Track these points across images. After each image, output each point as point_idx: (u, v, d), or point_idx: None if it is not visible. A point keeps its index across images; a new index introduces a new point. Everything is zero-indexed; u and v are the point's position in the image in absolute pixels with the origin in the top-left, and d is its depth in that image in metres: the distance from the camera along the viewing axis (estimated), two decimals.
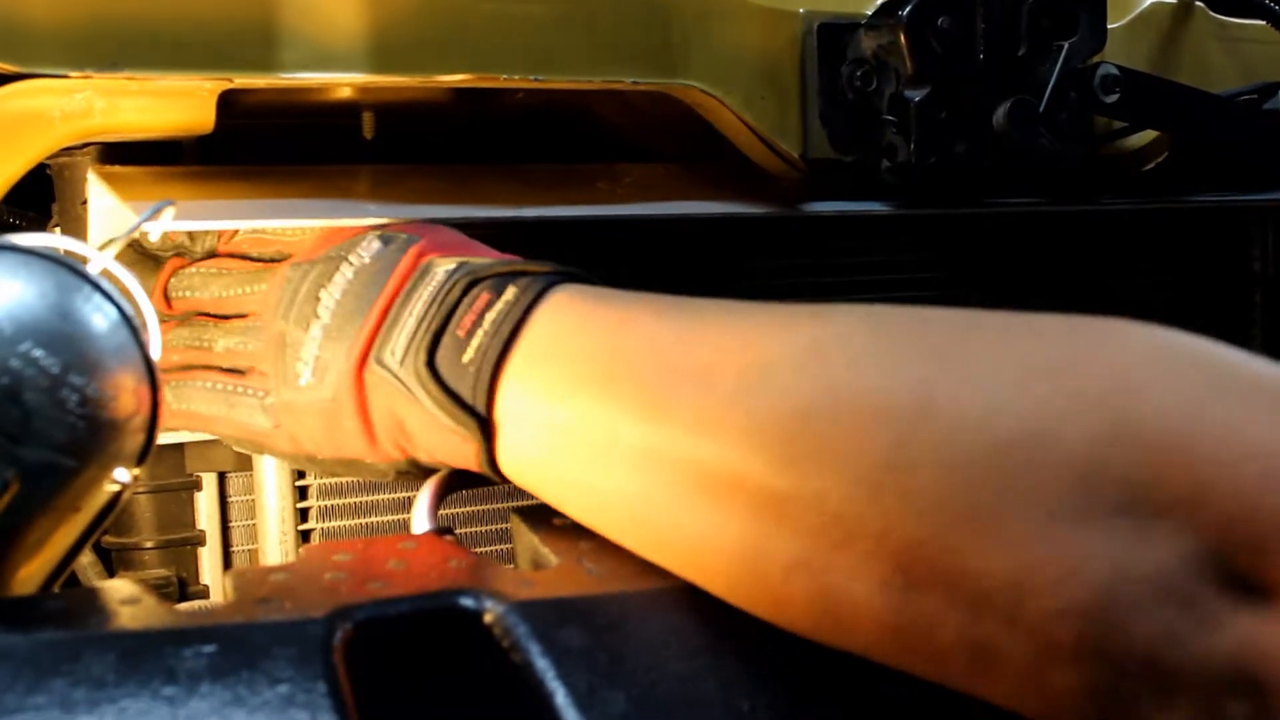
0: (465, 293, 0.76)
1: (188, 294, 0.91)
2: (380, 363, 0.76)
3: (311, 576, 0.69)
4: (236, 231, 0.91)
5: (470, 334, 0.73)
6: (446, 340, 0.74)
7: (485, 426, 0.72)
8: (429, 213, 1.04)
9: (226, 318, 0.88)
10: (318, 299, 0.80)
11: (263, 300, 0.84)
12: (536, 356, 0.72)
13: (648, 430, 0.65)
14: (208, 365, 0.87)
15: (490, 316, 0.73)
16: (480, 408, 0.72)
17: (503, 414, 0.72)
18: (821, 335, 0.63)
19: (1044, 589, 0.52)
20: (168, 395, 0.87)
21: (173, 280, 0.92)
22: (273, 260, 0.89)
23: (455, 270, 0.77)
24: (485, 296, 0.74)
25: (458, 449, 0.74)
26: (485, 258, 0.79)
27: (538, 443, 0.71)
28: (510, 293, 0.74)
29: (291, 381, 0.80)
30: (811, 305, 0.67)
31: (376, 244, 0.82)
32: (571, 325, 0.72)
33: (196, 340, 0.88)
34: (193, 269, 0.92)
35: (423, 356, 0.74)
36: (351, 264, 0.81)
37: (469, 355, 0.73)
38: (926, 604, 0.55)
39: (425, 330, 0.75)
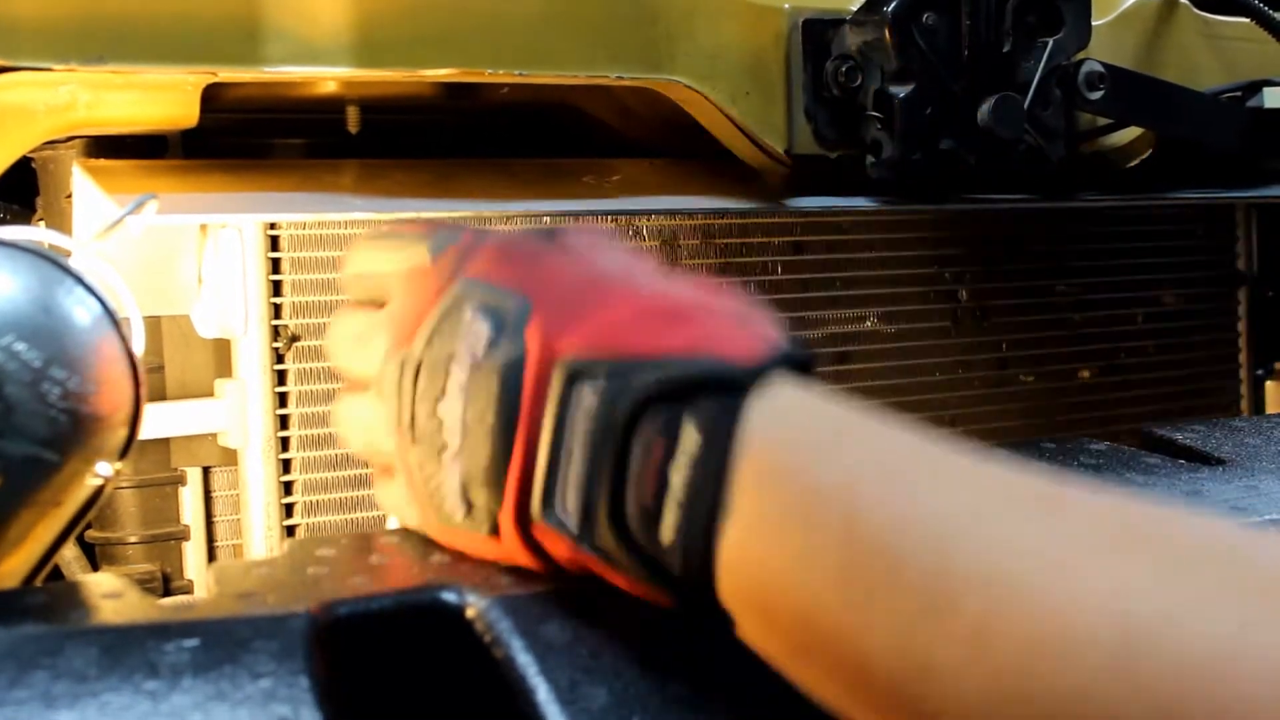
0: (630, 432, 0.60)
1: (334, 361, 0.80)
2: (548, 518, 0.63)
3: (294, 571, 0.68)
4: (347, 260, 0.79)
5: (659, 501, 0.59)
6: (631, 506, 0.60)
7: (711, 606, 0.60)
8: (415, 207, 1.04)
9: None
10: (438, 417, 0.67)
11: (377, 392, 0.73)
12: (755, 541, 0.57)
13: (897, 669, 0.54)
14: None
15: (677, 481, 0.58)
16: (702, 595, 0.59)
17: (726, 601, 0.59)
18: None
19: None
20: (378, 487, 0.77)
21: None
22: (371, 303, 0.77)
23: (605, 397, 0.61)
24: (660, 445, 0.59)
25: (668, 600, 0.62)
26: (623, 352, 0.62)
27: (772, 641, 0.59)
28: (691, 441, 0.58)
29: (445, 514, 0.69)
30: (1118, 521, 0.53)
31: (482, 325, 0.66)
32: (787, 496, 0.57)
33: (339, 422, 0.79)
34: (333, 327, 0.79)
35: (611, 532, 0.60)
36: (463, 364, 0.66)
37: (667, 535, 0.58)
38: None
39: (600, 490, 0.60)
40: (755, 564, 0.57)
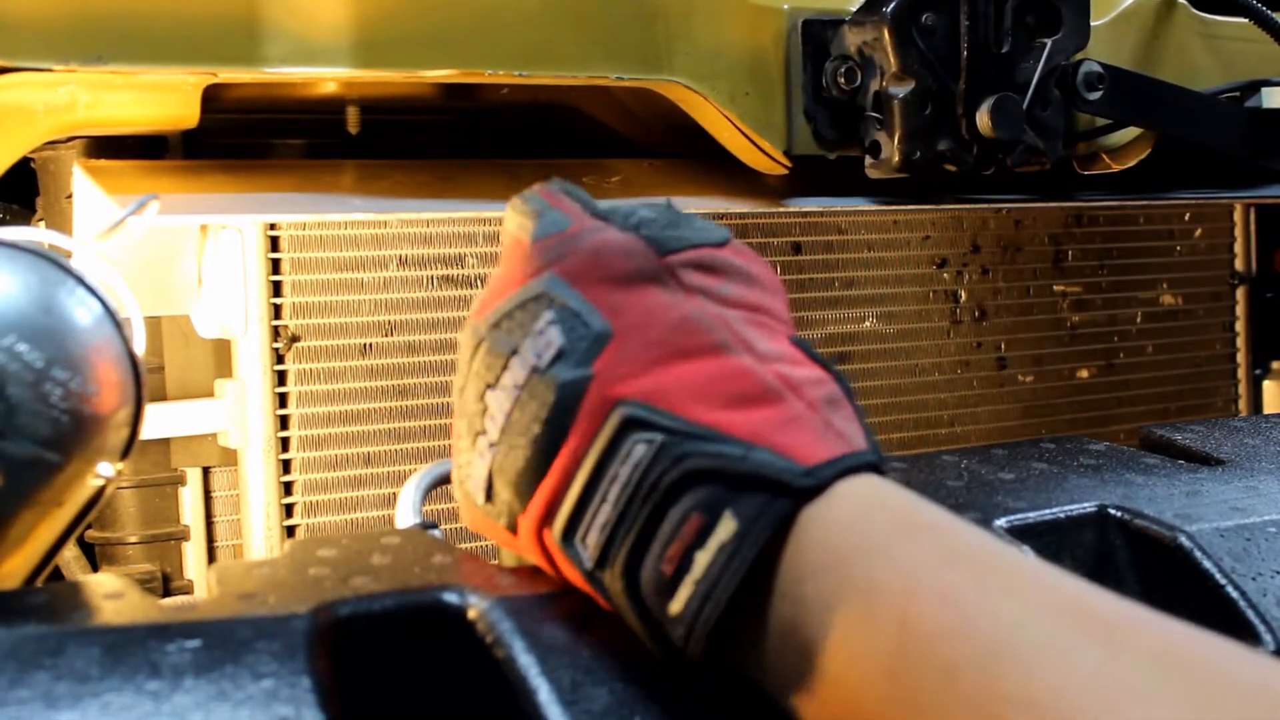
0: (671, 499, 0.60)
1: None
2: (565, 545, 0.63)
3: (295, 571, 0.68)
4: None
5: (678, 576, 0.59)
6: (649, 568, 0.60)
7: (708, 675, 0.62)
8: (415, 208, 1.04)
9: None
10: (484, 403, 0.66)
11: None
12: (790, 642, 0.58)
13: None
14: None
15: (701, 561, 0.58)
16: (692, 659, 0.60)
17: (727, 676, 0.61)
18: None
19: None
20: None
21: None
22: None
23: (657, 456, 0.60)
24: (695, 522, 0.59)
25: (657, 651, 0.63)
26: (685, 415, 0.62)
27: (797, 682, 0.59)
28: (726, 531, 0.58)
29: (467, 490, 0.69)
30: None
31: (555, 334, 0.65)
32: (833, 610, 0.57)
33: None
34: None
35: (621, 581, 0.61)
36: (524, 362, 0.65)
37: (676, 607, 0.59)
38: None
39: (624, 543, 0.61)
40: (802, 646, 0.57)
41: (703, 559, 0.58)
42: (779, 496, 0.59)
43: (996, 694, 0.52)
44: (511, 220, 0.71)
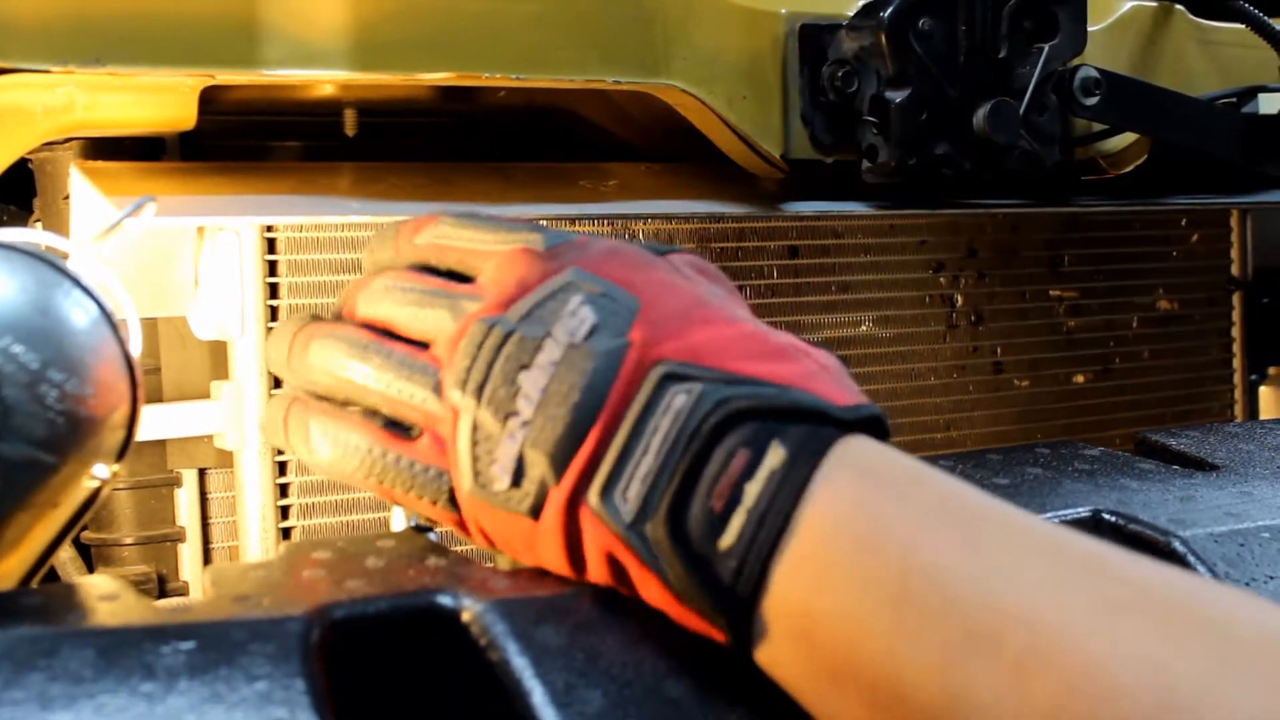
0: (715, 441, 0.62)
1: (364, 309, 0.77)
2: (604, 503, 0.64)
3: (290, 573, 0.69)
4: (418, 228, 0.77)
5: (728, 509, 0.61)
6: (696, 507, 0.61)
7: (744, 623, 0.61)
8: (412, 210, 1.04)
9: (393, 338, 0.74)
10: (516, 384, 0.67)
11: (445, 346, 0.71)
12: (815, 561, 0.59)
13: (936, 697, 0.56)
14: (360, 402, 0.74)
15: (752, 491, 0.60)
16: (743, 609, 0.61)
17: (766, 616, 0.61)
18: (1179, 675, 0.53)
19: None
20: (312, 431, 0.75)
21: (359, 293, 0.77)
22: (450, 276, 0.75)
23: (699, 402, 0.63)
24: (743, 456, 0.61)
25: (694, 621, 0.63)
26: (721, 367, 0.64)
27: (805, 663, 0.60)
28: (776, 458, 0.61)
29: (484, 481, 0.68)
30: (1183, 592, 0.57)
31: (588, 312, 0.67)
32: (854, 525, 0.59)
33: (355, 357, 0.74)
34: (375, 280, 0.76)
35: (665, 527, 0.62)
36: (558, 342, 0.67)
37: (728, 540, 0.60)
38: None
39: (669, 485, 0.62)
40: (810, 582, 0.59)
41: (753, 489, 0.61)
42: (822, 425, 0.62)
43: (997, 612, 0.55)
44: (493, 238, 0.74)
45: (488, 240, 0.74)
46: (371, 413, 0.74)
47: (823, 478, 0.61)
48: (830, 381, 0.65)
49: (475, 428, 0.68)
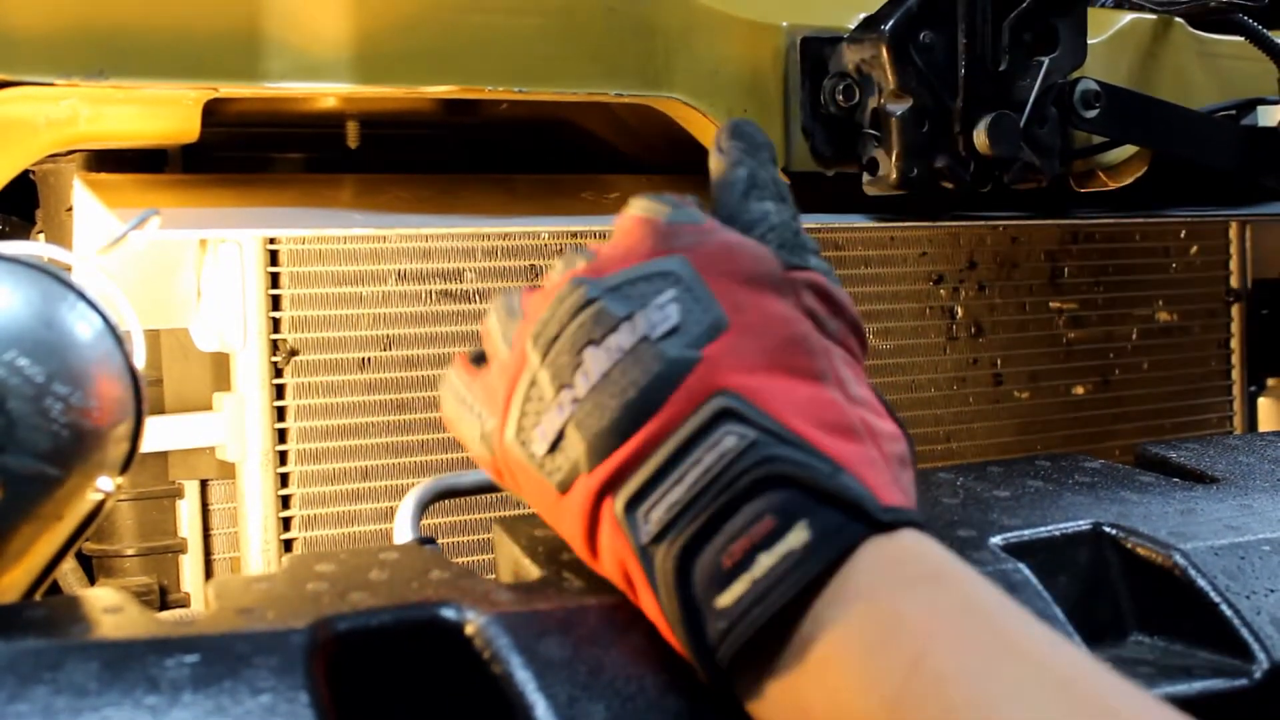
0: (748, 496, 0.61)
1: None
2: (627, 515, 0.64)
3: (294, 586, 0.69)
4: None
5: (736, 571, 0.60)
6: (708, 556, 0.61)
7: (721, 672, 0.62)
8: (414, 223, 1.04)
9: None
10: (580, 358, 0.66)
11: (542, 291, 0.71)
12: (816, 653, 0.59)
13: None
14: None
15: (765, 563, 0.60)
16: (721, 663, 0.61)
17: (750, 680, 0.61)
18: None
19: None
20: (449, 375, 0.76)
21: None
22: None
23: (747, 450, 0.62)
24: (768, 523, 0.60)
25: (681, 652, 0.63)
26: (782, 420, 0.63)
27: (803, 700, 0.60)
28: (798, 538, 0.60)
29: (523, 436, 0.68)
30: None
31: (674, 310, 0.65)
32: (854, 633, 0.59)
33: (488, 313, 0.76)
34: None
35: (674, 561, 0.61)
36: (635, 330, 0.65)
37: (725, 601, 0.60)
38: None
39: (690, 526, 0.62)
40: (815, 664, 0.59)
41: (766, 561, 0.60)
42: (855, 520, 0.61)
43: None
44: (638, 206, 0.72)
45: (639, 205, 0.72)
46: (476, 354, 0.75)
47: (841, 578, 0.60)
48: (884, 474, 0.63)
49: (533, 383, 0.68)
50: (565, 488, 0.66)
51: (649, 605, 0.64)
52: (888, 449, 0.65)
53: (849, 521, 0.61)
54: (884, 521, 0.61)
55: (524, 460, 0.68)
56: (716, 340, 0.65)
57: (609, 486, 0.64)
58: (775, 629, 0.60)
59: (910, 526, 0.62)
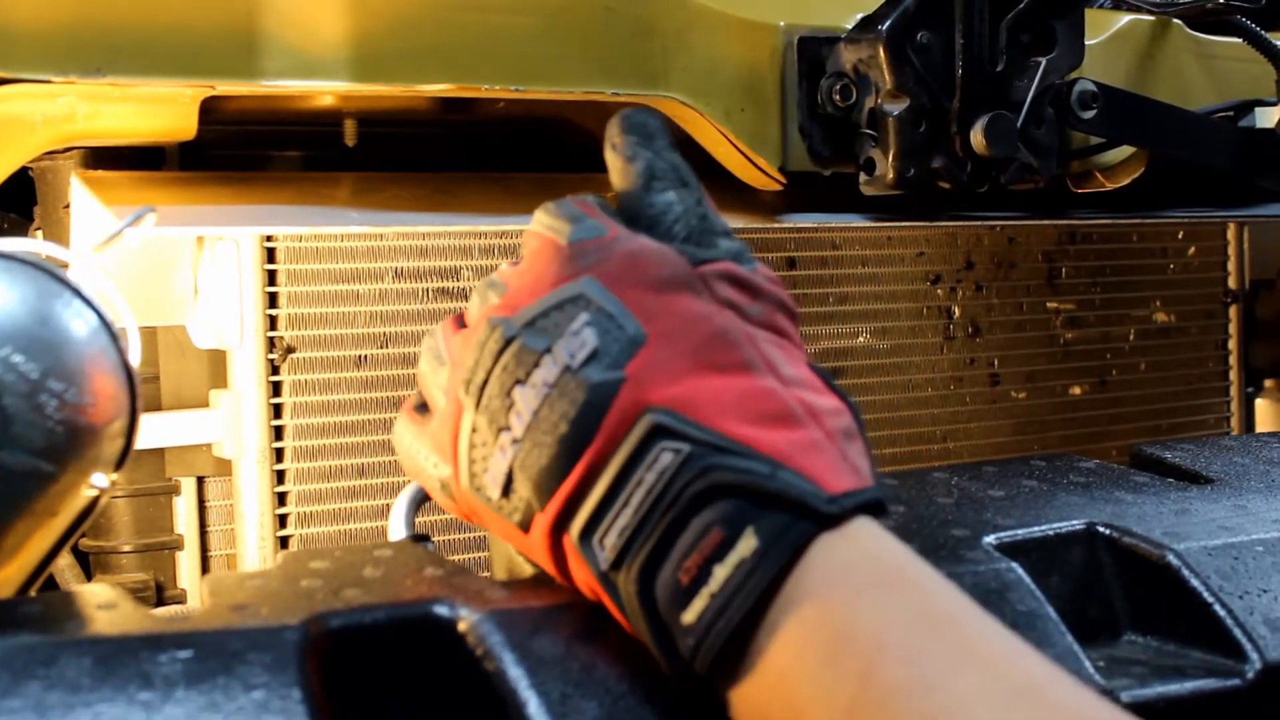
0: (694, 511, 0.61)
1: None
2: (583, 545, 0.64)
3: (288, 583, 0.69)
4: None
5: (694, 586, 0.60)
6: (666, 573, 0.61)
7: (703, 679, 0.62)
8: (411, 221, 1.04)
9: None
10: (510, 399, 0.66)
11: (463, 337, 0.71)
12: (771, 665, 0.59)
13: None
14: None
15: (720, 575, 0.59)
16: (699, 673, 0.61)
17: (722, 691, 0.61)
18: None
19: None
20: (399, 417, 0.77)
21: None
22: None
23: (684, 465, 0.61)
24: (716, 535, 0.60)
25: (662, 658, 0.63)
26: (715, 427, 0.62)
27: (766, 711, 0.60)
28: (747, 546, 0.59)
29: (477, 483, 0.68)
30: None
31: (590, 335, 0.65)
32: (815, 637, 0.58)
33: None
34: None
35: (635, 585, 0.62)
36: (556, 362, 0.65)
37: (689, 617, 0.60)
38: None
39: (642, 548, 0.61)
40: (773, 675, 0.59)
41: (721, 573, 0.60)
42: (800, 519, 0.60)
43: None
44: (541, 223, 0.71)
45: (542, 221, 0.72)
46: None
47: (793, 583, 0.59)
48: (828, 456, 0.62)
49: (474, 430, 0.68)
50: (526, 527, 0.66)
51: (624, 623, 0.64)
52: (830, 424, 0.64)
53: (795, 520, 0.60)
54: (832, 514, 0.60)
55: (483, 505, 0.68)
56: (636, 356, 0.64)
57: (561, 521, 0.64)
58: (737, 641, 0.60)
59: (862, 511, 0.62)
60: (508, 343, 0.67)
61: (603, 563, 0.63)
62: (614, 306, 0.66)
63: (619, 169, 0.72)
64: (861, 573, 0.60)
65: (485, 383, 0.67)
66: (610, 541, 0.62)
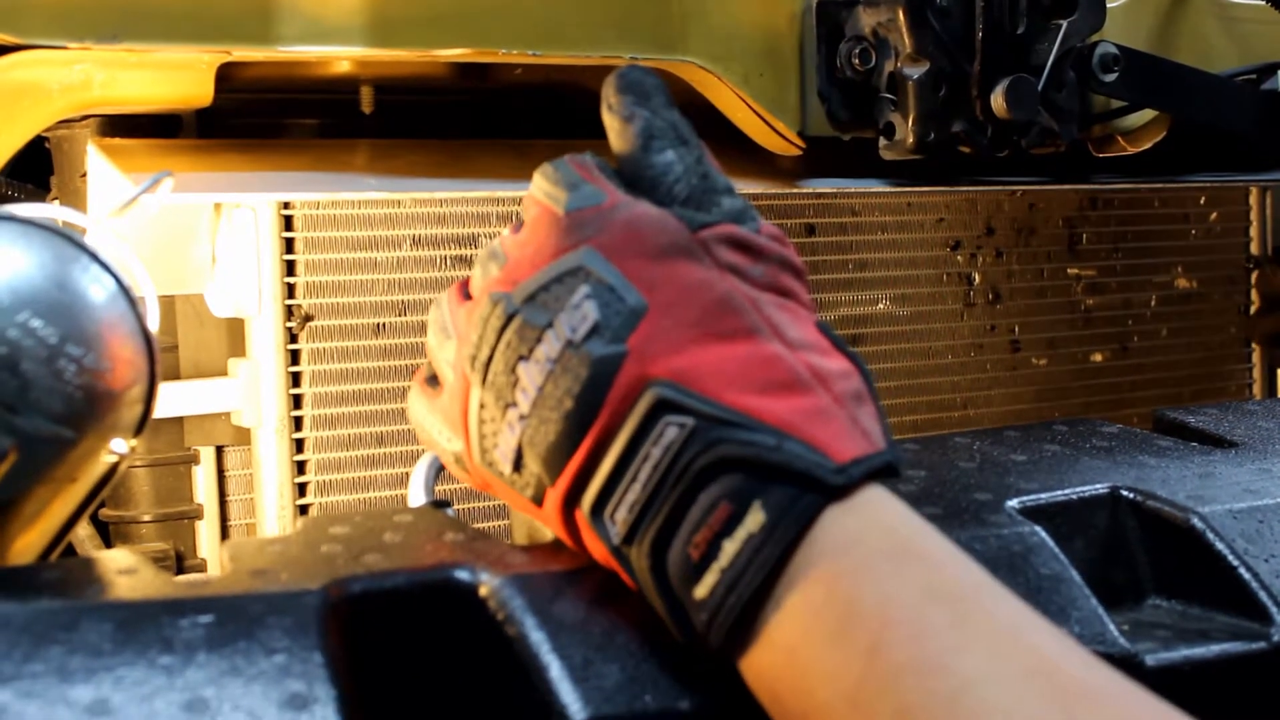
0: (701, 485, 0.60)
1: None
2: (594, 520, 0.63)
3: (308, 548, 0.69)
4: None
5: (704, 562, 0.60)
6: (676, 549, 0.61)
7: (717, 652, 0.61)
8: (428, 187, 1.04)
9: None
10: (515, 376, 0.65)
11: (466, 315, 0.70)
12: (781, 642, 0.59)
13: None
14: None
15: (729, 550, 0.59)
16: (713, 647, 0.60)
17: (738, 664, 0.61)
18: None
19: None
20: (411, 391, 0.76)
21: None
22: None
23: (690, 439, 0.61)
24: (725, 510, 0.59)
25: (677, 631, 0.63)
26: (719, 399, 0.61)
27: (776, 687, 0.60)
28: (755, 521, 0.59)
29: (488, 458, 0.68)
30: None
31: (590, 308, 0.64)
32: (824, 614, 0.58)
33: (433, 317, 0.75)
34: None
35: (647, 559, 0.61)
36: (558, 337, 0.64)
37: (702, 592, 0.60)
38: None
39: (653, 523, 0.61)
40: (784, 651, 0.59)
41: (730, 548, 0.59)
42: (808, 491, 0.59)
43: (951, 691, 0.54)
44: (540, 188, 0.70)
45: (540, 186, 0.70)
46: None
47: (802, 557, 0.59)
48: (838, 422, 0.62)
49: (482, 406, 0.68)
50: (539, 501, 0.66)
51: (644, 597, 0.64)
52: (839, 389, 0.63)
53: (802, 493, 0.59)
54: (839, 485, 0.60)
55: (496, 478, 0.68)
56: (638, 328, 0.63)
57: (572, 496, 0.64)
58: (748, 616, 0.59)
59: (874, 476, 0.61)
60: (509, 319, 0.66)
61: (614, 537, 0.63)
62: (614, 278, 0.65)
63: (616, 129, 0.71)
64: (868, 546, 0.59)
65: (490, 360, 0.67)
66: (621, 516, 0.62)
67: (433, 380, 0.74)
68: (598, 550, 0.65)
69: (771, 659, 0.59)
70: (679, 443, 0.61)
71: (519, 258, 0.69)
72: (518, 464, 0.66)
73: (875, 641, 0.56)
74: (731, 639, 0.60)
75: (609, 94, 0.72)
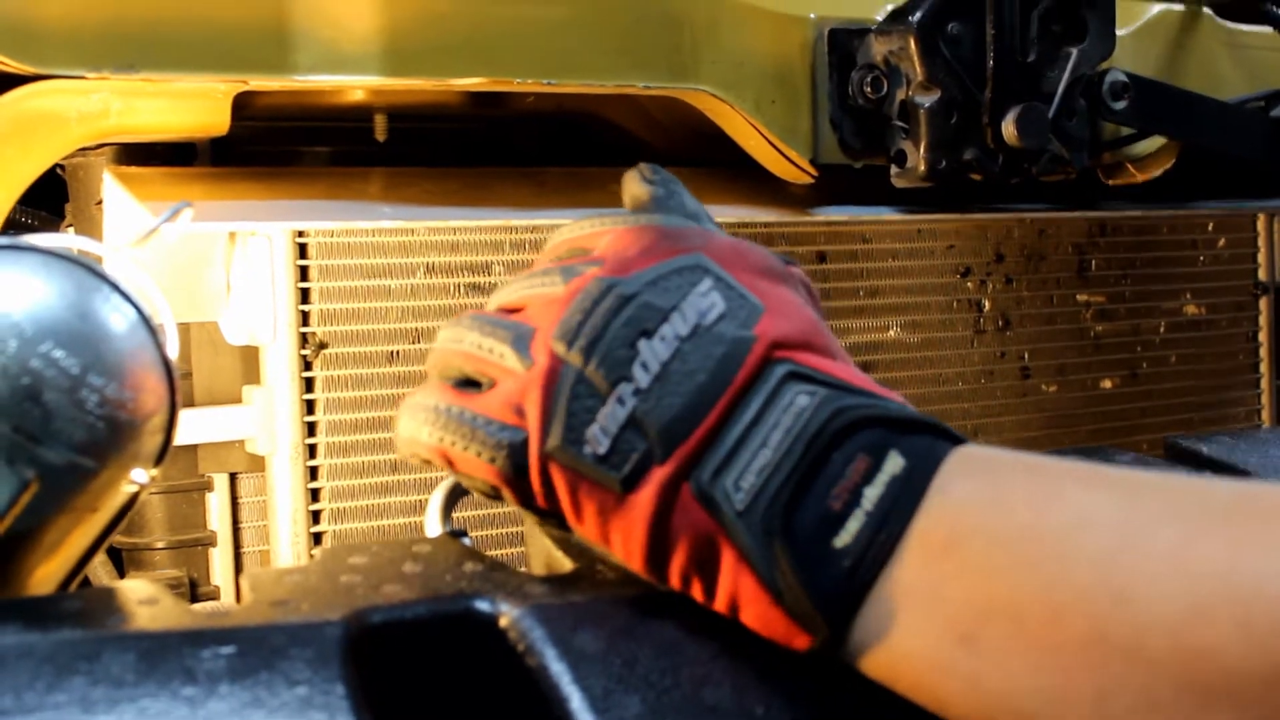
0: (835, 445, 0.63)
1: (494, 300, 0.77)
2: (716, 488, 0.64)
3: (328, 578, 0.69)
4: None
5: (846, 509, 0.62)
6: (810, 506, 0.62)
7: (843, 624, 0.62)
8: (443, 215, 1.04)
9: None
10: (635, 348, 0.67)
11: (545, 303, 0.71)
12: (930, 567, 0.61)
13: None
14: (453, 370, 0.74)
15: (872, 494, 0.62)
16: (848, 609, 0.62)
17: (873, 618, 0.62)
18: None
19: None
20: (399, 420, 0.75)
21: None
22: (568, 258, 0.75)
23: (821, 405, 0.64)
24: (863, 462, 0.62)
25: (777, 625, 0.63)
26: (845, 378, 0.66)
27: (930, 633, 0.61)
28: (895, 465, 0.62)
29: (575, 439, 0.66)
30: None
31: (718, 298, 0.68)
32: (974, 531, 0.60)
33: (452, 326, 0.74)
34: (512, 280, 0.76)
35: (779, 520, 0.62)
36: (686, 319, 0.67)
37: (844, 540, 0.61)
38: None
39: (788, 481, 0.63)
40: (939, 573, 0.61)
41: (872, 493, 0.62)
42: (940, 439, 0.64)
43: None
44: (623, 223, 0.74)
45: (600, 224, 0.75)
46: (454, 380, 0.74)
47: (938, 487, 0.62)
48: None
49: (579, 382, 0.67)
50: (631, 483, 0.65)
51: (739, 582, 0.63)
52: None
53: (936, 440, 0.64)
54: (963, 438, 0.65)
55: (575, 465, 0.66)
56: (760, 322, 0.68)
57: (685, 468, 0.65)
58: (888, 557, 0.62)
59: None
60: (627, 300, 0.68)
61: (738, 504, 0.63)
62: (730, 279, 0.70)
63: (651, 198, 0.79)
64: (1007, 473, 0.63)
65: (600, 336, 0.67)
66: (748, 481, 0.64)
67: (462, 384, 0.73)
68: (697, 530, 0.64)
69: (930, 578, 0.61)
70: (811, 408, 0.64)
71: (623, 253, 0.71)
72: (617, 441, 0.66)
73: (1025, 551, 0.59)
74: (875, 579, 0.61)
75: (645, 171, 0.81)
